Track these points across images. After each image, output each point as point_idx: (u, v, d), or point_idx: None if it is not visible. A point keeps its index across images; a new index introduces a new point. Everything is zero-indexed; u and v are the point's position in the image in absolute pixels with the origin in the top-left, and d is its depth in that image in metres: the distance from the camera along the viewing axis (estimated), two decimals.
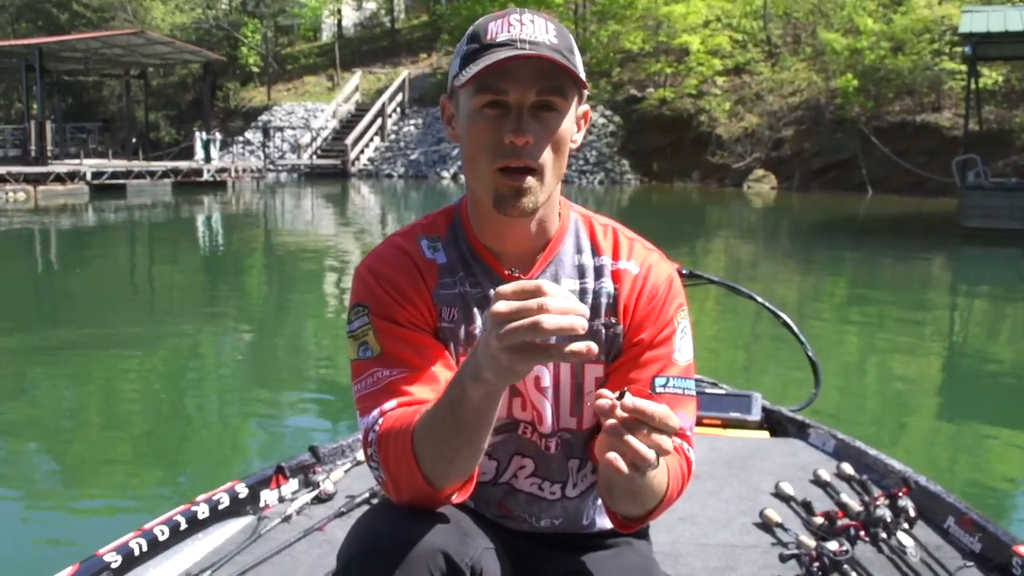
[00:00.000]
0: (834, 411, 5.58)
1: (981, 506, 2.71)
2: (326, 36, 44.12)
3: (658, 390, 1.49)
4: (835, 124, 27.75)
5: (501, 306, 1.16)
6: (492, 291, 1.50)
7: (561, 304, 1.14)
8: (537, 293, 1.15)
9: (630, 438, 1.17)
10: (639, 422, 1.17)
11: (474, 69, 1.37)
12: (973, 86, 18.47)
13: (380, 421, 1.39)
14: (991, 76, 24.93)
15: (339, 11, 42.39)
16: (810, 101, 28.90)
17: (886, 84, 27.57)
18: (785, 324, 3.64)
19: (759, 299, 3.75)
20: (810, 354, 3.63)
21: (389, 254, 1.53)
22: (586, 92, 1.47)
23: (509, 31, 1.39)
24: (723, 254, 15.28)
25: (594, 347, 1.15)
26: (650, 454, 1.18)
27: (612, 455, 1.19)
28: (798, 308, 9.74)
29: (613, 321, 1.54)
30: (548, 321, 1.13)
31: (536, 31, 1.39)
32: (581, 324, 1.14)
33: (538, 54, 1.36)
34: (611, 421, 1.18)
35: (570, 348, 1.15)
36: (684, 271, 3.42)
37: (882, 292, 11.41)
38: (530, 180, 1.40)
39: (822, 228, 19.45)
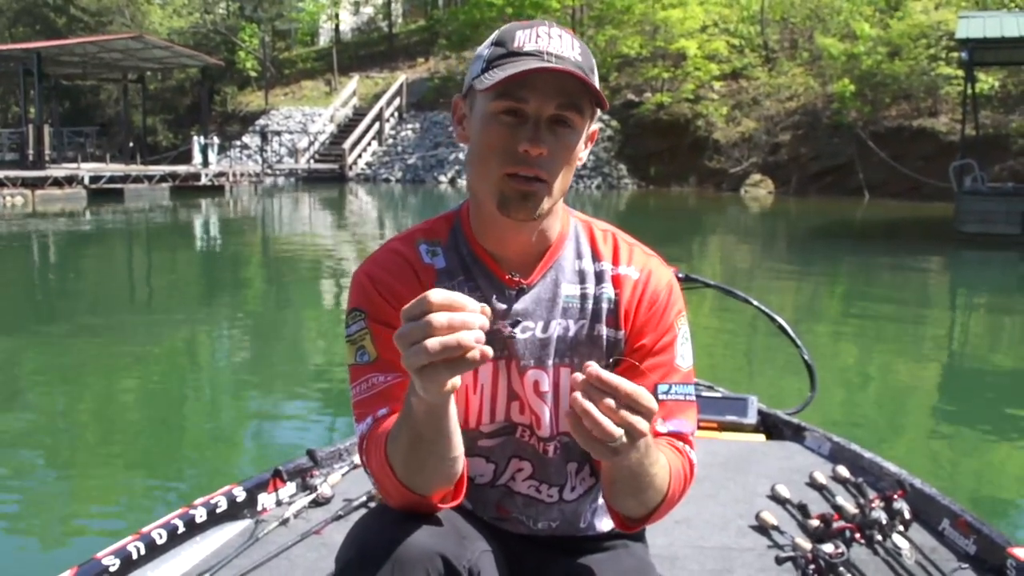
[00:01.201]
0: (831, 414, 5.59)
1: (976, 508, 2.72)
2: (323, 41, 44.19)
3: (661, 397, 1.49)
4: (832, 129, 27.80)
5: (400, 329, 1.16)
6: (493, 296, 1.51)
7: (447, 319, 1.13)
8: (425, 311, 1.14)
9: (587, 404, 1.18)
10: (603, 392, 1.18)
11: (500, 74, 1.37)
12: (970, 91, 18.51)
13: (372, 427, 1.41)
14: (987, 81, 24.98)
15: (336, 16, 42.47)
16: (807, 106, 28.95)
17: (883, 89, 27.63)
18: (781, 327, 3.65)
19: (755, 302, 3.76)
20: (806, 357, 3.64)
21: (387, 259, 1.53)
22: (599, 113, 1.49)
23: (537, 42, 1.41)
24: (720, 259, 15.30)
25: (488, 351, 1.14)
26: (615, 430, 1.18)
27: (569, 410, 1.20)
28: (795, 312, 9.75)
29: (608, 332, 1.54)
30: (432, 344, 1.12)
31: (563, 46, 1.41)
32: (470, 338, 1.13)
33: (565, 68, 1.37)
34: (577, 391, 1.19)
35: (470, 355, 1.13)
36: (680, 275, 3.42)
37: (879, 296, 11.42)
38: (538, 188, 1.41)
39: (819, 233, 19.47)
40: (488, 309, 1.17)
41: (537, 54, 1.39)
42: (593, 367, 1.19)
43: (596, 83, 1.43)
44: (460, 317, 1.13)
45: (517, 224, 1.46)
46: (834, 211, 23.31)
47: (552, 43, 1.41)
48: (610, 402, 1.18)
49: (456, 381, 1.18)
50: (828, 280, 12.90)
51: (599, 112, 1.49)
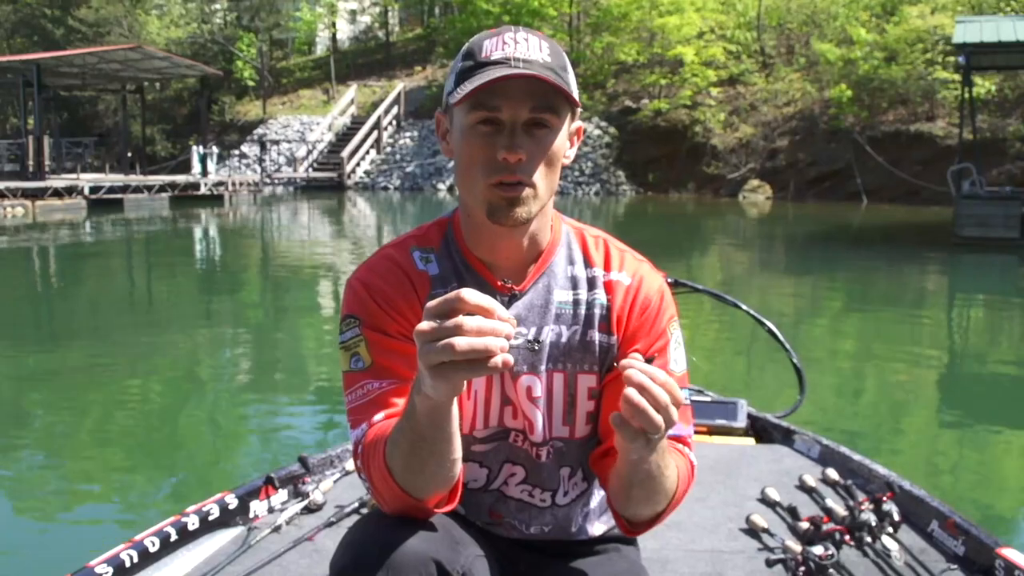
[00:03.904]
0: (825, 417, 5.61)
1: (964, 509, 2.73)
2: (321, 50, 44.22)
3: None
4: (829, 134, 27.83)
5: (423, 325, 1.16)
6: None
7: (478, 324, 1.13)
8: (456, 310, 1.14)
9: (643, 402, 1.22)
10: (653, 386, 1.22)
11: (469, 87, 1.38)
12: (967, 95, 18.54)
13: (367, 434, 1.41)
14: (984, 85, 25.01)
15: (334, 25, 42.53)
16: (804, 111, 28.99)
17: (880, 94, 27.69)
18: (770, 332, 3.66)
19: (744, 307, 3.77)
20: (795, 361, 3.65)
21: (381, 265, 1.54)
22: (579, 110, 1.49)
23: (503, 49, 1.41)
24: (718, 264, 15.31)
25: (510, 359, 1.15)
26: (658, 419, 1.22)
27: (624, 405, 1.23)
28: (793, 317, 9.76)
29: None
30: (461, 343, 1.12)
31: (530, 49, 1.41)
32: (498, 345, 1.13)
33: (531, 73, 1.38)
34: (630, 389, 1.23)
35: (492, 362, 1.14)
36: (670, 280, 3.43)
37: (877, 301, 11.42)
38: (524, 191, 1.42)
39: (817, 238, 19.47)
40: (515, 320, 1.18)
41: (504, 61, 1.40)
42: (641, 363, 1.24)
43: (569, 80, 1.43)
44: (490, 323, 1.14)
45: (507, 231, 1.47)
46: (832, 216, 23.32)
47: (519, 48, 1.41)
48: (663, 397, 1.23)
49: (465, 383, 1.19)
50: (826, 285, 12.90)
51: (579, 109, 1.50)
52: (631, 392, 1.22)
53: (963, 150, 18.53)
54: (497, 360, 1.13)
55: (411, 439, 1.30)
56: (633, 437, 1.25)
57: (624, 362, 1.24)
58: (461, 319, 1.13)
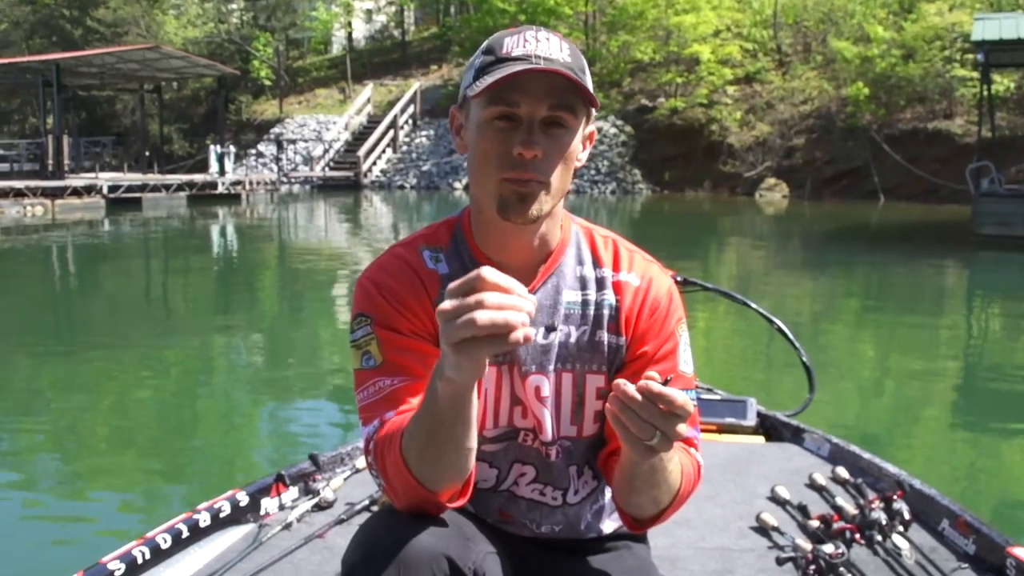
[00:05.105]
0: (840, 415, 5.59)
1: (975, 508, 2.72)
2: (337, 49, 44.35)
3: None
4: (846, 132, 27.70)
5: (445, 304, 1.17)
6: None
7: (499, 300, 1.14)
8: (477, 288, 1.15)
9: (623, 416, 1.22)
10: (652, 402, 1.22)
11: (488, 80, 1.39)
12: (986, 93, 18.41)
13: (379, 429, 1.42)
14: (1003, 83, 24.84)
15: (349, 24, 42.62)
16: (821, 109, 28.87)
17: (897, 92, 27.54)
18: (780, 330, 3.65)
19: (753, 305, 3.76)
20: (804, 359, 3.64)
21: (391, 264, 1.55)
22: (595, 112, 1.50)
23: (525, 46, 1.42)
24: (735, 263, 15.27)
25: (531, 333, 1.16)
26: (652, 433, 1.23)
27: (610, 411, 1.25)
28: (809, 316, 9.73)
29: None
30: (482, 318, 1.13)
31: (551, 48, 1.42)
32: (519, 320, 1.14)
33: (553, 69, 1.38)
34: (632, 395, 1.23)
35: (513, 336, 1.14)
36: (678, 278, 3.42)
37: (894, 300, 11.38)
38: (535, 188, 1.42)
39: (834, 236, 19.40)
40: (535, 299, 1.19)
41: (525, 58, 1.40)
42: (644, 383, 1.23)
43: (588, 82, 1.44)
44: (511, 299, 1.15)
45: (518, 229, 1.47)
46: (849, 215, 23.22)
47: (540, 46, 1.42)
48: (653, 410, 1.22)
49: (486, 363, 1.21)
50: (842, 284, 12.84)
51: (594, 112, 1.50)
52: (610, 405, 1.25)
53: (982, 148, 18.43)
54: (518, 334, 1.14)
55: (429, 427, 1.31)
56: (632, 443, 1.26)
57: (641, 383, 1.23)
58: (482, 295, 1.14)
